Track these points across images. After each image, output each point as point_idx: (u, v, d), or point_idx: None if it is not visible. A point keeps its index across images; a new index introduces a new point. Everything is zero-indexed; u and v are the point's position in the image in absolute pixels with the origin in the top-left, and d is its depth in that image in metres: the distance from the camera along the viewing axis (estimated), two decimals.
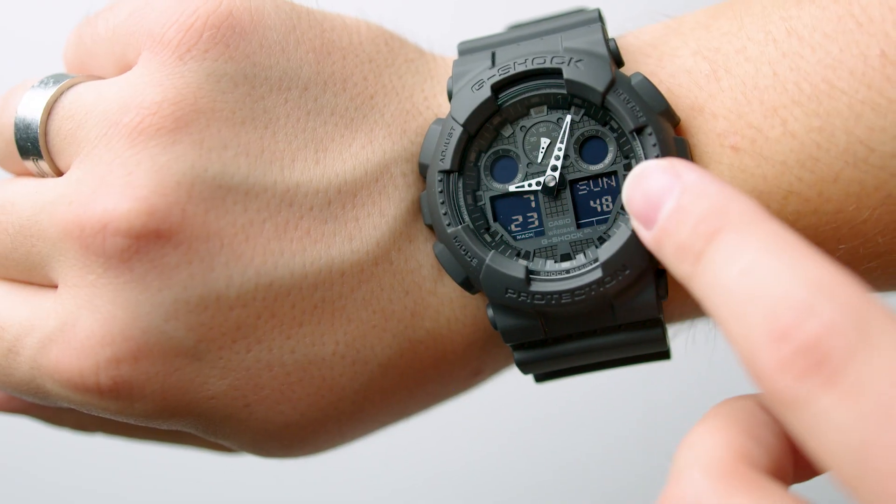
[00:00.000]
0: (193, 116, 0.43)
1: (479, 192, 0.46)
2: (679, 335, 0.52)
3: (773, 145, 0.43)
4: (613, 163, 0.45)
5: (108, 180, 0.43)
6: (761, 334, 0.32)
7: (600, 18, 0.47)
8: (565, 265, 0.45)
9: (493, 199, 0.46)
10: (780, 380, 0.32)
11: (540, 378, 0.50)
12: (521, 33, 0.48)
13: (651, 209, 0.38)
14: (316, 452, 0.50)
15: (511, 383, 0.59)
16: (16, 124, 0.46)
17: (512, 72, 0.45)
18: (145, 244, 0.42)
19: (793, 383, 0.32)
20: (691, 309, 0.48)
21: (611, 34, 0.49)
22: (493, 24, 0.55)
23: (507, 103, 0.46)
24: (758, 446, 0.35)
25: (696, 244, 0.36)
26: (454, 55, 0.49)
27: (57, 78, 0.47)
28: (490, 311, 0.46)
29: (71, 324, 0.43)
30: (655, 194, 0.38)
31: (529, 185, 0.46)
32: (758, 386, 0.33)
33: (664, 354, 0.48)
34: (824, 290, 0.32)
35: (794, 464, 0.36)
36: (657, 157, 0.44)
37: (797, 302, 0.32)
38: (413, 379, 0.48)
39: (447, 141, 0.46)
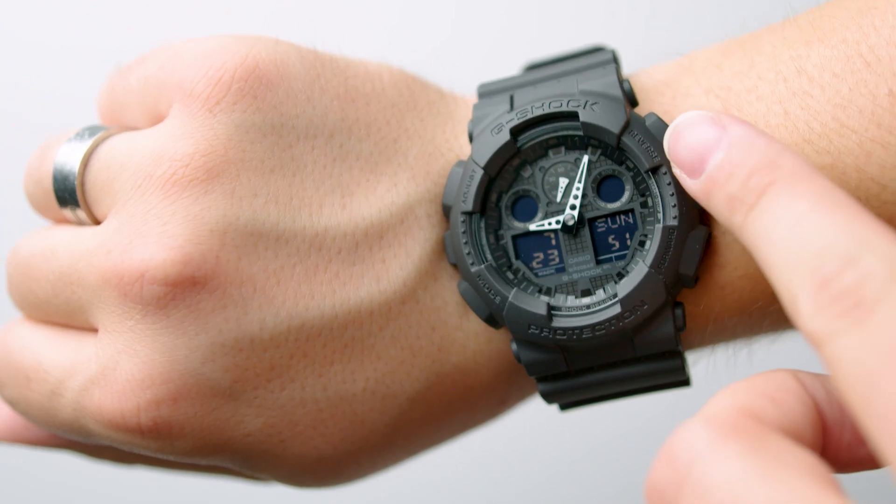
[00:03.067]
0: (224, 167, 0.45)
1: (501, 232, 0.48)
2: (700, 360, 0.53)
3: None
4: (630, 201, 0.47)
5: (144, 231, 0.44)
6: (805, 281, 0.34)
7: (615, 59, 0.49)
8: (585, 301, 0.47)
9: (514, 237, 0.48)
10: (816, 319, 0.34)
11: (564, 407, 0.51)
12: (539, 75, 0.49)
13: (697, 160, 0.40)
14: (349, 482, 0.52)
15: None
16: (54, 175, 0.48)
17: (530, 115, 0.47)
18: (181, 291, 0.44)
19: (828, 322, 0.33)
20: (711, 336, 0.49)
21: (625, 71, 0.50)
22: (513, 61, 0.56)
23: (526, 145, 0.47)
24: (773, 406, 0.36)
25: (749, 197, 0.38)
26: (473, 93, 0.51)
27: (92, 130, 0.48)
28: (514, 346, 0.47)
29: (112, 367, 0.45)
30: (701, 145, 0.40)
31: (549, 223, 0.47)
32: (798, 326, 0.35)
33: (684, 382, 0.50)
34: (866, 244, 0.34)
35: (834, 445, 0.38)
36: (672, 195, 0.45)
37: (841, 253, 0.34)
38: (441, 410, 0.50)
39: (469, 183, 0.47)
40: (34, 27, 0.98)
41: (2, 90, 0.98)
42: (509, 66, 0.55)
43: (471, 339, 0.49)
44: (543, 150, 0.48)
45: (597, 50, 0.50)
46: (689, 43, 0.51)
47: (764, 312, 0.47)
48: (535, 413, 0.67)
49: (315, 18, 0.93)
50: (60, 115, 0.66)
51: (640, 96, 0.48)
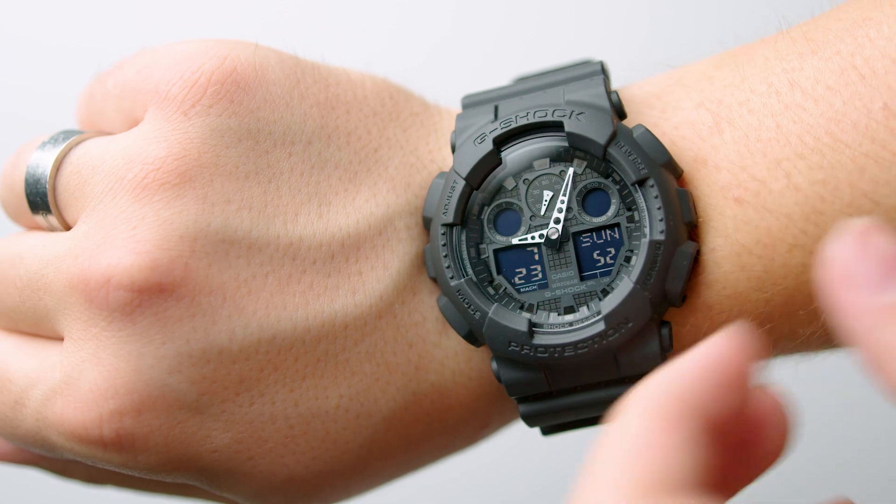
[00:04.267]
0: (197, 171, 0.44)
1: (483, 245, 0.47)
2: None
3: (776, 198, 0.43)
4: (616, 215, 0.45)
5: (113, 235, 0.43)
6: None
7: (603, 71, 0.47)
8: (568, 318, 0.45)
9: (496, 251, 0.46)
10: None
11: (546, 431, 0.49)
12: (525, 86, 0.48)
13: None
14: None
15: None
16: (26, 179, 0.47)
17: (514, 125, 0.46)
18: (148, 298, 0.43)
19: None
20: None
21: (615, 84, 0.49)
22: (500, 75, 0.55)
23: (509, 156, 0.46)
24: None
25: None
26: (459, 106, 0.50)
27: (66, 134, 0.47)
28: (494, 364, 0.46)
29: (75, 377, 0.44)
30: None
31: (532, 237, 0.46)
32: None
33: None
34: None
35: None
36: (659, 208, 0.44)
37: None
38: (418, 432, 0.48)
39: (450, 194, 0.46)
40: (24, 26, 0.98)
41: None
42: (497, 79, 0.54)
43: (450, 357, 0.47)
44: (527, 161, 0.46)
45: (585, 63, 0.49)
46: (681, 55, 0.50)
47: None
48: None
49: (300, 27, 0.93)
50: (45, 117, 0.66)
51: (629, 108, 0.47)
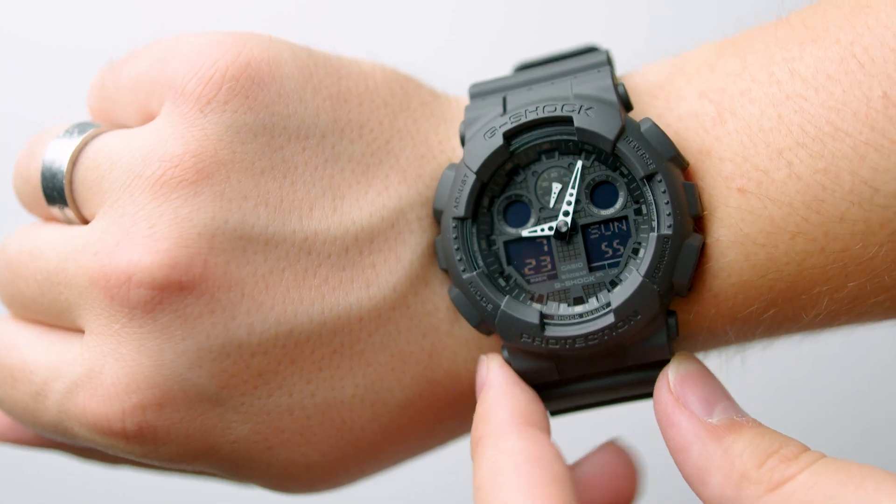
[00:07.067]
0: (214, 168, 0.45)
1: (493, 237, 0.47)
2: None
3: (779, 187, 0.44)
4: (624, 207, 0.46)
5: (132, 232, 0.44)
6: None
7: (609, 62, 0.48)
8: (578, 309, 0.46)
9: (506, 243, 0.47)
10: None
11: (554, 413, 0.51)
12: (532, 76, 0.48)
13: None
14: (337, 488, 0.51)
15: None
16: (42, 173, 0.47)
17: (524, 119, 0.46)
18: (168, 295, 0.43)
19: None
20: (703, 344, 0.49)
21: (618, 71, 0.49)
22: (505, 61, 0.56)
23: (519, 150, 0.47)
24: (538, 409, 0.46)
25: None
26: (465, 94, 0.50)
27: (82, 127, 0.48)
28: (505, 353, 0.47)
29: (97, 371, 0.45)
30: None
31: (542, 229, 0.47)
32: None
33: None
34: None
35: None
36: (667, 203, 0.44)
37: None
38: (432, 417, 0.49)
39: (461, 188, 0.47)
40: (26, 23, 0.97)
41: None
42: (502, 66, 0.54)
43: (462, 345, 0.48)
44: (536, 154, 0.47)
45: (590, 50, 0.50)
46: (682, 39, 0.50)
47: (757, 320, 0.46)
48: None
49: (310, 17, 0.92)
50: (51, 110, 0.66)
51: (633, 98, 0.47)
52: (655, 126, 0.45)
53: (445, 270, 0.47)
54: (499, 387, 0.46)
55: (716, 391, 0.44)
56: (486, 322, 0.46)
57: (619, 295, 0.45)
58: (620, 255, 0.46)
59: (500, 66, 0.55)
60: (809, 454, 0.41)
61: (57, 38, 0.97)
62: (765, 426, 0.43)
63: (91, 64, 0.52)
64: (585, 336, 0.45)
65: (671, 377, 0.45)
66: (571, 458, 0.49)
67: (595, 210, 0.46)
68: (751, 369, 0.52)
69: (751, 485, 0.41)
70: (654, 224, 0.45)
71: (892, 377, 0.97)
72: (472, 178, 0.46)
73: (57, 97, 0.79)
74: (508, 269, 0.47)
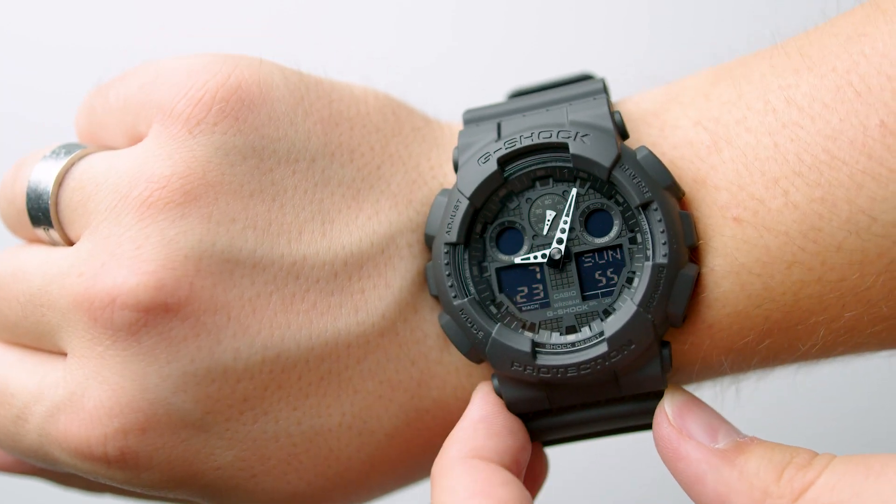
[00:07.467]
0: (202, 190, 0.44)
1: (485, 264, 0.47)
2: None
3: (775, 216, 0.43)
4: (618, 236, 0.45)
5: (117, 254, 0.43)
6: None
7: (605, 90, 0.47)
8: (570, 338, 0.45)
9: (498, 270, 0.46)
10: None
11: (546, 443, 0.50)
12: (527, 103, 0.48)
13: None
14: None
15: None
16: (28, 194, 0.47)
17: (518, 146, 0.46)
18: (153, 318, 0.43)
19: None
20: (698, 375, 0.48)
21: (613, 98, 0.49)
22: (499, 88, 0.55)
23: (514, 176, 0.46)
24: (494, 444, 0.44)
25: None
26: (459, 120, 0.50)
27: (68, 148, 0.47)
28: (496, 382, 0.46)
29: (79, 394, 0.44)
30: None
31: (535, 257, 0.46)
32: None
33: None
34: None
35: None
36: (662, 232, 0.44)
37: None
38: (420, 447, 0.48)
39: (453, 213, 0.46)
40: (26, 23, 0.97)
41: None
42: (495, 93, 0.54)
43: (451, 373, 0.47)
44: (531, 181, 0.46)
45: (586, 78, 0.49)
46: (675, 64, 0.50)
47: (753, 350, 0.46)
48: None
49: (301, 40, 0.92)
50: (51, 110, 0.65)
51: (628, 126, 0.47)
52: (652, 154, 0.45)
53: (436, 297, 0.47)
54: (462, 422, 0.45)
55: (714, 417, 0.44)
56: (476, 350, 0.46)
57: (613, 324, 0.44)
58: (614, 284, 0.45)
59: (493, 94, 0.55)
60: (822, 457, 0.41)
61: (57, 39, 0.97)
62: (768, 441, 0.42)
63: (91, 64, 0.52)
64: (578, 365, 0.44)
65: (669, 410, 0.44)
66: (560, 465, 0.49)
67: (589, 238, 0.46)
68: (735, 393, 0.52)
69: (774, 499, 0.40)
70: (650, 253, 0.44)
71: (879, 394, 0.97)
72: (465, 203, 0.46)
73: (57, 97, 0.79)
74: (500, 297, 0.46)
